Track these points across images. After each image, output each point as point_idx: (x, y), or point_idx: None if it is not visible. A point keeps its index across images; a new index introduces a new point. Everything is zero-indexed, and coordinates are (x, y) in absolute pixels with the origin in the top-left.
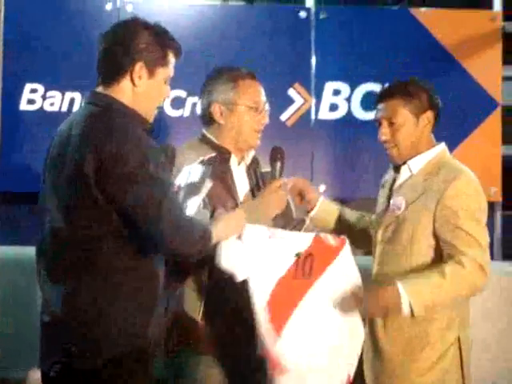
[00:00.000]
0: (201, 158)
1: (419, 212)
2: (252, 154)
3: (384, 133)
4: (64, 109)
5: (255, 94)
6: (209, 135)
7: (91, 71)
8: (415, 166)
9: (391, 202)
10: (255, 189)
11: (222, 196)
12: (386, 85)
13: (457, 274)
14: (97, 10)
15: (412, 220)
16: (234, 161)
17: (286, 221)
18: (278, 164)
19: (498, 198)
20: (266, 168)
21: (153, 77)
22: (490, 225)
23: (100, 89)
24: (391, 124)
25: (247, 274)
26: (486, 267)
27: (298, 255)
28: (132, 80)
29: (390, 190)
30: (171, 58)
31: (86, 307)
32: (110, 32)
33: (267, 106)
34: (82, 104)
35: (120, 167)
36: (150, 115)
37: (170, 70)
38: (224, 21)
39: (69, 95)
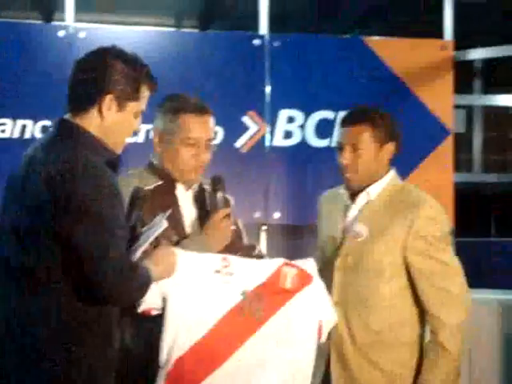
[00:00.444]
0: (146, 188)
1: (386, 240)
2: (200, 179)
3: (347, 157)
4: (15, 136)
5: (196, 129)
6: (155, 162)
7: (44, 98)
8: (373, 192)
9: (352, 228)
10: (205, 217)
11: (169, 226)
12: (343, 112)
13: (450, 337)
14: (49, 37)
15: (377, 248)
16: (180, 189)
17: (235, 250)
18: (219, 194)
19: (450, 226)
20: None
21: (123, 110)
22: None
23: (68, 116)
24: (355, 149)
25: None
26: (466, 298)
27: (243, 294)
28: (100, 111)
29: (345, 216)
30: (145, 92)
31: (23, 348)
32: (84, 59)
33: (211, 142)
34: (49, 130)
35: (70, 202)
36: (118, 147)
37: (142, 104)
38: (178, 48)
39: (20, 122)
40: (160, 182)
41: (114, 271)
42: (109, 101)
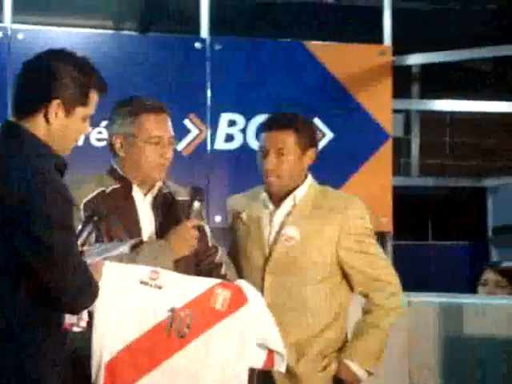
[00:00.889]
0: (101, 189)
1: (318, 242)
2: (159, 184)
3: (271, 162)
4: None
5: (157, 128)
6: (115, 166)
7: None
8: (298, 196)
9: (283, 232)
10: (163, 221)
11: (122, 230)
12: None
13: (381, 316)
14: None
15: (310, 250)
16: (137, 193)
17: (198, 253)
18: (195, 204)
19: (389, 228)
20: (183, 196)
21: (70, 115)
22: None
23: (13, 119)
24: (279, 154)
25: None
26: (396, 287)
27: (171, 311)
28: (46, 117)
29: (270, 221)
30: (94, 97)
31: None
32: (33, 61)
33: (172, 140)
34: None
35: (24, 210)
36: (65, 151)
37: (90, 109)
38: (117, 50)
39: None
40: (117, 186)
41: (74, 278)
42: (56, 106)
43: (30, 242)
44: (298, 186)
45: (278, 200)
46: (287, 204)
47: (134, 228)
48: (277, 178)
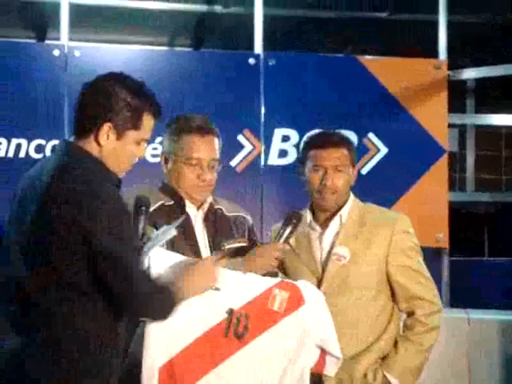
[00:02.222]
0: (161, 202)
1: (368, 259)
2: (210, 199)
3: (329, 178)
4: (10, 155)
5: (197, 149)
6: (166, 182)
7: (39, 117)
8: (344, 215)
9: (334, 252)
10: (215, 236)
11: (183, 244)
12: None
13: (424, 334)
14: (44, 56)
15: (362, 268)
16: (190, 208)
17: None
18: (289, 229)
19: (446, 245)
20: (233, 212)
21: (122, 138)
22: (437, 271)
23: (73, 138)
24: (336, 171)
25: None
26: (438, 306)
27: (229, 313)
28: (97, 139)
29: (320, 242)
30: (147, 121)
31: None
32: (91, 83)
33: (215, 163)
34: (54, 152)
35: (93, 228)
36: (119, 173)
37: (144, 133)
38: (172, 67)
39: (15, 141)
40: (171, 202)
41: (145, 296)
42: (107, 129)
43: (99, 256)
44: (343, 205)
45: (323, 221)
46: (335, 224)
47: (192, 241)
48: (333, 195)
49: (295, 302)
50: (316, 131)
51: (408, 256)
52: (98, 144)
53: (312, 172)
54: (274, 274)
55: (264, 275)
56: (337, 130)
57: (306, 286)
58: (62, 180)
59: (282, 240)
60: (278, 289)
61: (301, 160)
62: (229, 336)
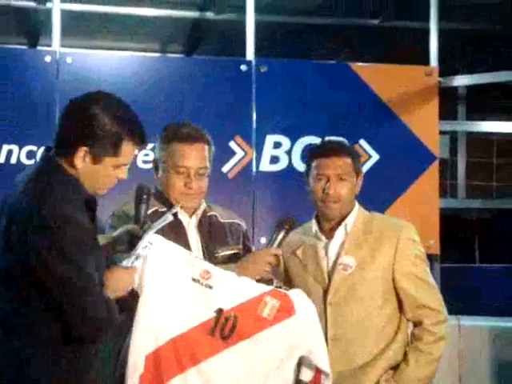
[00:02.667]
0: (155, 208)
1: (375, 267)
2: (203, 206)
3: (332, 187)
4: (1, 161)
5: (184, 157)
6: (159, 188)
7: (30, 123)
8: (349, 224)
9: (339, 262)
10: (209, 243)
11: None
12: (330, 137)
13: (432, 344)
14: (36, 63)
15: (368, 276)
16: (182, 215)
17: None
18: (281, 234)
19: (437, 251)
20: (228, 219)
21: (98, 163)
22: None
23: (52, 152)
24: (339, 180)
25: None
26: (445, 315)
27: (218, 312)
28: (72, 161)
29: (326, 253)
30: (127, 149)
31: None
32: (74, 102)
33: (204, 171)
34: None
35: (40, 243)
36: (96, 192)
37: (123, 159)
38: (164, 73)
39: (6, 148)
40: (164, 208)
41: (78, 314)
42: (83, 153)
43: (54, 279)
44: (347, 214)
45: (328, 230)
46: (339, 234)
47: (185, 248)
48: (336, 204)
49: (285, 311)
50: (321, 140)
51: (414, 264)
52: (74, 166)
53: (315, 181)
54: (269, 282)
55: (258, 282)
56: (331, 138)
57: (298, 296)
58: (24, 195)
59: (274, 245)
60: (269, 296)
61: (306, 170)
62: (215, 335)
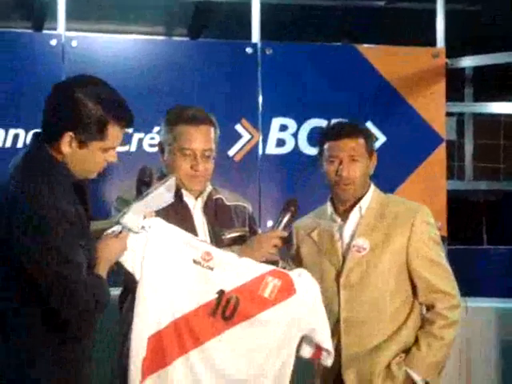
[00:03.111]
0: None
1: (389, 250)
2: (209, 188)
3: (346, 169)
4: (8, 145)
5: (191, 140)
6: (165, 171)
7: (36, 107)
8: (364, 206)
9: (353, 243)
10: (215, 225)
11: None
12: (334, 121)
13: (445, 328)
14: (41, 46)
15: (382, 258)
16: (188, 197)
17: None
18: (287, 216)
19: (444, 233)
20: (234, 201)
21: (85, 148)
22: None
23: (41, 137)
24: (352, 161)
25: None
26: (458, 300)
27: (219, 293)
28: (59, 146)
29: (340, 235)
30: (113, 132)
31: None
32: (54, 89)
33: (210, 153)
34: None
35: (20, 231)
36: (86, 176)
37: (110, 142)
38: (169, 56)
39: (12, 132)
40: None
41: (70, 296)
42: (69, 138)
43: (31, 261)
44: (362, 196)
45: (343, 212)
46: (354, 216)
47: (191, 231)
48: (350, 185)
49: (286, 291)
50: (333, 122)
51: (428, 247)
52: (60, 152)
53: (328, 164)
54: (275, 263)
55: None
56: (336, 120)
57: (300, 275)
58: (12, 185)
59: (280, 227)
60: (271, 276)
61: (319, 152)
62: (216, 317)
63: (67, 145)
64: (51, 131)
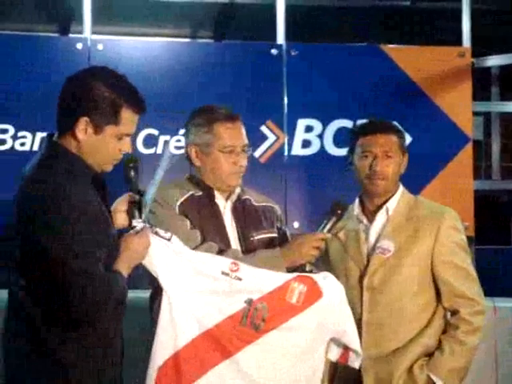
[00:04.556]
0: (191, 192)
1: (414, 253)
2: (238, 190)
3: (379, 164)
4: (35, 148)
5: (231, 137)
6: (195, 174)
7: None
8: (391, 208)
9: (378, 245)
10: (244, 226)
11: (213, 234)
12: (361, 120)
13: (468, 334)
14: (68, 50)
15: (406, 261)
16: (219, 199)
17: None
18: (333, 219)
19: (471, 233)
20: (262, 202)
21: (100, 133)
22: None
23: (55, 135)
24: (385, 157)
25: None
26: (483, 306)
27: (248, 302)
28: (74, 134)
29: (367, 236)
30: (127, 116)
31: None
32: (71, 78)
33: (247, 148)
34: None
35: (37, 226)
36: (103, 167)
37: (124, 128)
38: (195, 58)
39: (39, 135)
40: (200, 193)
41: (88, 296)
42: (84, 124)
43: (48, 255)
44: (390, 197)
45: (371, 213)
46: (381, 217)
47: (222, 233)
48: (383, 181)
49: (313, 295)
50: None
51: (453, 252)
52: (76, 139)
53: (361, 159)
54: (303, 265)
55: (301, 266)
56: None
57: (324, 278)
58: (29, 182)
59: (325, 230)
60: (296, 282)
61: (350, 150)
62: (246, 326)
63: (83, 131)
64: (66, 119)
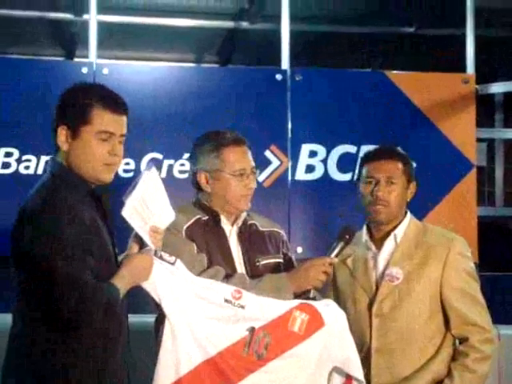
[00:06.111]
0: (197, 217)
1: (423, 280)
2: (244, 214)
3: (381, 190)
4: (39, 172)
5: (240, 160)
6: (201, 199)
7: None
8: (399, 235)
9: (387, 273)
10: (249, 251)
11: (219, 258)
12: (365, 146)
13: (478, 362)
14: (73, 74)
15: (415, 288)
16: (225, 224)
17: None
18: (341, 244)
19: (475, 259)
20: (268, 227)
21: (78, 137)
22: None
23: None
24: (389, 183)
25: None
26: (493, 335)
27: (250, 331)
28: (57, 145)
29: (375, 263)
30: (99, 114)
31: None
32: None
33: (255, 170)
34: None
35: (29, 242)
36: (98, 177)
37: (99, 126)
38: (199, 83)
39: (45, 159)
40: (206, 217)
41: (74, 299)
42: (63, 133)
43: (39, 262)
44: (398, 224)
45: (378, 240)
46: (389, 244)
47: (228, 257)
48: (385, 207)
49: (315, 323)
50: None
51: (462, 279)
52: (61, 149)
53: (364, 184)
54: (307, 291)
55: (308, 292)
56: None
57: (327, 306)
58: (30, 199)
59: (333, 255)
60: (298, 311)
61: (357, 177)
62: (248, 354)
63: (64, 140)
64: (53, 135)
